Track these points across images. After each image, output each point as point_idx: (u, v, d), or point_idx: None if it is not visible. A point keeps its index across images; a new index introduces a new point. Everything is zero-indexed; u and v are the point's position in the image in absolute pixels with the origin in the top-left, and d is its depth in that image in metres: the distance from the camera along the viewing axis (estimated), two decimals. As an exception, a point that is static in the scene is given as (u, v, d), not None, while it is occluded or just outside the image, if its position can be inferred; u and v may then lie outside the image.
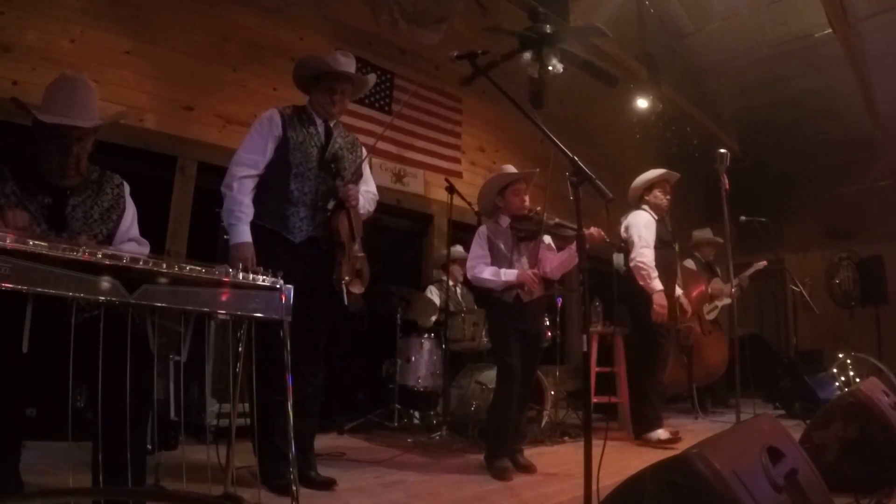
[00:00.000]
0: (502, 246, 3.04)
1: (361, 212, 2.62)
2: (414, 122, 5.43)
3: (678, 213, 4.83)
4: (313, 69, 2.56)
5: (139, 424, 1.70)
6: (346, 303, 2.44)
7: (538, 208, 3.06)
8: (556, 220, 2.98)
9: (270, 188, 2.43)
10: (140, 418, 1.71)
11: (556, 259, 3.09)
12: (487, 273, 2.98)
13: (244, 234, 2.32)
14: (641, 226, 3.96)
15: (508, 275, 2.95)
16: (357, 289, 2.53)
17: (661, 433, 3.76)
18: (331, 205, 2.47)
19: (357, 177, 2.61)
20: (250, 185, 2.40)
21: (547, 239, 3.12)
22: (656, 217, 4.07)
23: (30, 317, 1.41)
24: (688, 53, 6.71)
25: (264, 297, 1.80)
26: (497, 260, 3.02)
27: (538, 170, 3.19)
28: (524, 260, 3.05)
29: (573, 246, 2.94)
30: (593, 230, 2.78)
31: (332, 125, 2.61)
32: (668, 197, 4.10)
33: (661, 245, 4.06)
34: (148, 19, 3.92)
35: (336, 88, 2.54)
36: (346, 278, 2.43)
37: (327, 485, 2.34)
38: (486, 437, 3.13)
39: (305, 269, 2.38)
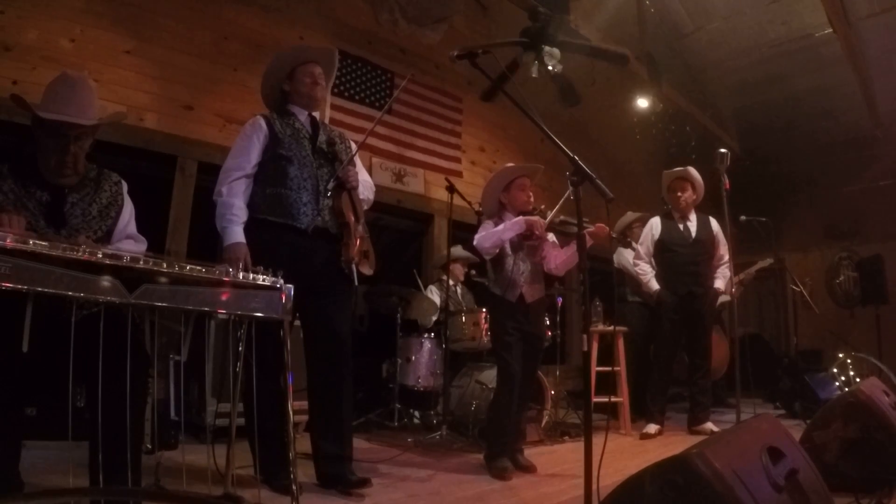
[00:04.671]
0: (507, 249, 3.01)
1: (361, 198, 2.63)
2: (414, 121, 5.43)
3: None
4: (284, 68, 2.58)
5: (136, 424, 1.70)
6: (356, 284, 2.46)
7: (542, 206, 3.06)
8: (561, 217, 2.96)
9: (271, 181, 2.42)
10: (136, 418, 1.71)
11: (560, 255, 3.09)
12: (490, 231, 2.95)
13: (237, 235, 2.31)
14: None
15: (514, 223, 2.92)
16: (366, 270, 2.55)
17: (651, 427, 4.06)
18: (331, 185, 2.48)
19: (351, 165, 2.63)
20: (239, 187, 2.38)
21: (550, 236, 3.12)
22: (676, 217, 4.26)
23: (29, 317, 1.41)
24: (688, 53, 6.71)
25: (264, 296, 1.80)
26: (500, 263, 3.00)
27: (542, 166, 3.19)
28: (528, 260, 3.03)
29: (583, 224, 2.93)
30: (598, 226, 2.79)
31: (315, 117, 2.62)
32: (682, 194, 4.20)
33: (670, 246, 4.21)
34: (148, 18, 3.92)
35: (312, 71, 2.56)
36: (356, 259, 2.44)
37: (362, 483, 2.33)
38: (486, 436, 3.13)
39: (315, 262, 2.40)
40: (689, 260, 4.16)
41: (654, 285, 4.20)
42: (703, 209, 4.39)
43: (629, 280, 4.89)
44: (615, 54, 4.94)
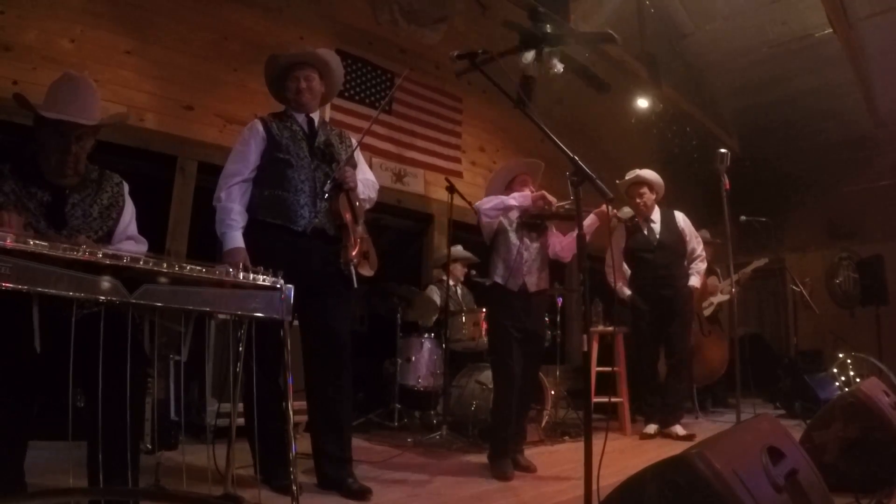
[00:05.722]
0: (511, 236, 3.00)
1: (363, 197, 2.63)
2: (414, 121, 5.43)
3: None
4: (276, 71, 2.58)
5: (134, 424, 1.70)
6: (355, 286, 2.44)
7: None
8: (566, 205, 2.92)
9: (270, 183, 2.43)
10: (135, 418, 1.71)
11: (565, 239, 3.09)
12: (494, 196, 2.93)
13: (236, 240, 2.32)
14: (613, 241, 4.24)
15: (522, 194, 2.91)
16: (366, 271, 2.54)
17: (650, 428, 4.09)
18: (328, 187, 2.47)
19: (352, 165, 2.61)
20: (238, 192, 2.40)
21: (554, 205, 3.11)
22: (640, 221, 4.21)
23: (37, 316, 1.41)
24: (688, 53, 6.72)
25: (265, 296, 1.80)
26: (504, 249, 2.99)
27: (543, 163, 3.19)
28: (533, 248, 3.02)
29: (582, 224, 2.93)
30: (601, 209, 2.79)
31: (314, 119, 2.60)
32: (640, 199, 4.16)
33: (636, 252, 4.19)
34: (148, 19, 3.92)
35: (298, 76, 2.54)
36: (354, 260, 2.43)
37: (363, 494, 2.29)
38: (488, 438, 3.13)
39: (314, 263, 2.39)
40: (657, 264, 4.13)
41: (626, 291, 4.20)
42: (705, 210, 4.37)
43: None
44: (602, 35, 4.92)
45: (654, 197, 4.19)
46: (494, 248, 3.03)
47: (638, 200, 4.16)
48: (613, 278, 4.08)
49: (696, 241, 4.27)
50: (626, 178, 4.22)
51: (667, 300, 4.07)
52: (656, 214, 4.23)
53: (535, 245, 3.04)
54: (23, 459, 1.81)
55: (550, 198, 2.88)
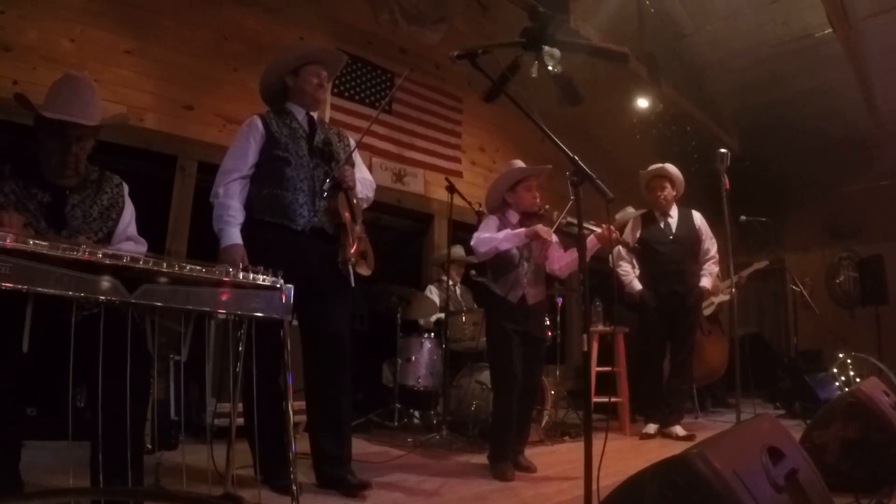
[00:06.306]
0: (513, 249, 2.96)
1: (361, 196, 2.62)
2: (414, 121, 5.43)
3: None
4: (291, 63, 2.56)
5: (137, 424, 1.70)
6: (353, 285, 2.44)
7: (546, 206, 3.04)
8: (568, 218, 2.91)
9: (268, 181, 2.42)
10: (138, 418, 1.71)
11: (564, 257, 3.06)
12: (489, 236, 2.89)
13: (233, 237, 2.31)
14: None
15: (515, 234, 2.87)
16: (364, 270, 2.54)
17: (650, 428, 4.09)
18: (327, 185, 2.47)
19: (350, 164, 2.61)
20: (236, 188, 2.38)
21: (553, 237, 3.10)
22: (657, 215, 4.20)
23: (30, 316, 1.41)
24: (688, 53, 6.70)
25: (265, 296, 1.79)
26: (504, 262, 2.96)
27: (550, 166, 3.17)
28: (533, 262, 3.01)
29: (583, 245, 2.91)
30: (605, 228, 2.76)
31: (314, 116, 2.60)
32: (661, 192, 4.14)
33: (651, 245, 4.14)
34: (148, 19, 3.92)
35: (318, 71, 2.56)
36: (352, 260, 2.43)
37: (363, 486, 2.31)
38: (488, 437, 3.12)
39: (312, 262, 2.39)
40: (671, 259, 4.09)
41: (637, 286, 4.15)
42: (705, 210, 4.37)
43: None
44: (615, 53, 4.92)
45: (674, 193, 4.17)
46: (493, 259, 2.99)
47: (659, 193, 4.14)
48: (616, 270, 4.04)
49: (710, 242, 4.23)
50: (650, 169, 4.20)
51: (678, 296, 4.03)
52: (674, 210, 4.21)
53: (536, 259, 3.02)
54: (17, 460, 1.81)
55: (544, 234, 2.83)
